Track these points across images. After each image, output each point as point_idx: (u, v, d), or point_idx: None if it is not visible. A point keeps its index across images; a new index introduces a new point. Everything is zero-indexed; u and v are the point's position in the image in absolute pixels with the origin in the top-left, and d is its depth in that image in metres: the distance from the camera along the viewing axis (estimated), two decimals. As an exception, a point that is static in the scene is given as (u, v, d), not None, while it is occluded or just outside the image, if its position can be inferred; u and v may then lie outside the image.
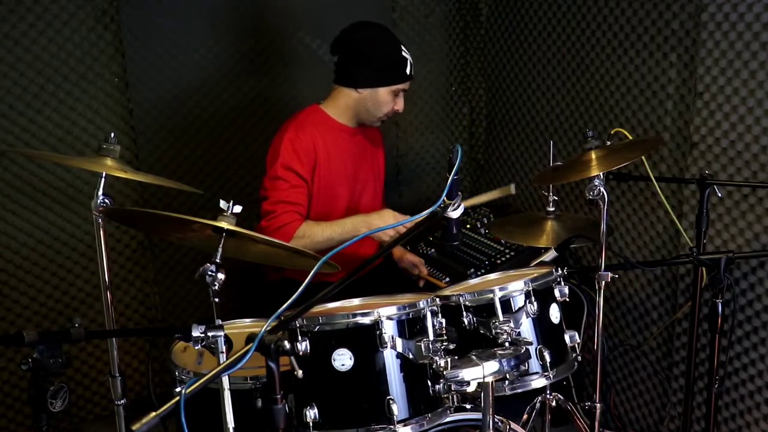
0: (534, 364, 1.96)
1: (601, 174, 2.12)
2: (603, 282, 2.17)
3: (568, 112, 3.22)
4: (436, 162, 3.84)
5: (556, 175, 2.42)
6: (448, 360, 1.70)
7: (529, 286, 1.99)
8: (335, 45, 2.69)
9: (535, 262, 2.38)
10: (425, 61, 3.69)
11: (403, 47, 2.65)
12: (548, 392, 2.36)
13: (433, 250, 3.13)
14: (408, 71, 2.65)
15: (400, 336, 1.78)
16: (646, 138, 2.77)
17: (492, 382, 1.72)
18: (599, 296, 2.20)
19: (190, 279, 3.25)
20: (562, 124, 3.27)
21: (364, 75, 2.63)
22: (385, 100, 2.65)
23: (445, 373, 1.69)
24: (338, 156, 2.70)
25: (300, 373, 1.64)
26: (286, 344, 1.48)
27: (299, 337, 1.73)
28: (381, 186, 2.99)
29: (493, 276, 2.33)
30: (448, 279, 2.89)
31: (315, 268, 1.54)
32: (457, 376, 1.68)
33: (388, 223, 2.57)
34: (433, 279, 2.91)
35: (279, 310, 1.49)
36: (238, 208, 1.72)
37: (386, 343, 1.75)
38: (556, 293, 2.07)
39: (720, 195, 2.45)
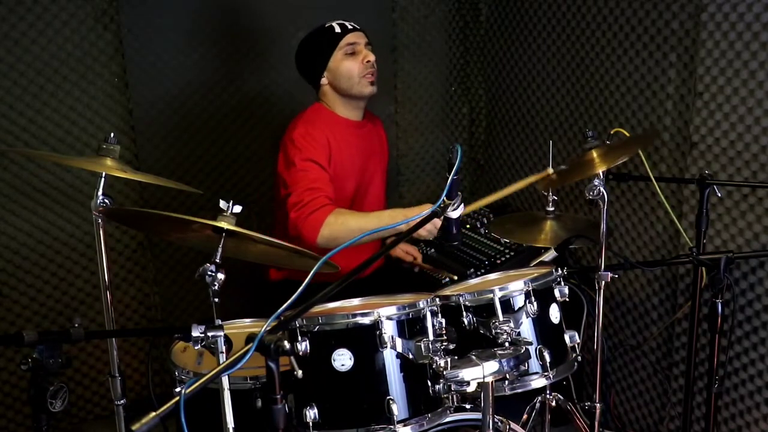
0: (534, 364, 1.96)
1: (600, 174, 2.12)
2: (603, 282, 2.18)
3: (568, 112, 3.22)
4: (436, 162, 3.84)
5: (559, 179, 2.43)
6: (448, 360, 1.70)
7: (529, 286, 1.99)
8: (301, 75, 2.78)
9: (534, 262, 2.38)
10: (425, 61, 3.69)
11: (327, 22, 2.69)
12: (548, 392, 2.36)
13: (433, 250, 3.13)
14: (337, 30, 2.66)
15: (400, 336, 1.78)
16: (643, 134, 2.77)
17: (492, 382, 1.72)
18: (599, 296, 2.20)
19: (190, 279, 3.23)
20: (562, 124, 3.27)
21: (312, 68, 2.69)
22: (344, 65, 2.65)
23: (445, 373, 1.69)
24: (347, 150, 2.69)
25: (300, 373, 1.65)
26: (286, 344, 1.48)
27: (299, 337, 1.73)
28: (385, 178, 2.98)
29: (493, 276, 2.33)
30: (447, 279, 2.89)
31: (315, 268, 1.54)
32: (457, 376, 1.68)
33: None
34: (426, 266, 2.92)
35: (279, 310, 1.49)
36: (237, 208, 1.72)
37: (386, 343, 1.75)
38: (556, 293, 2.07)
39: (720, 195, 2.45)
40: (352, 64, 2.64)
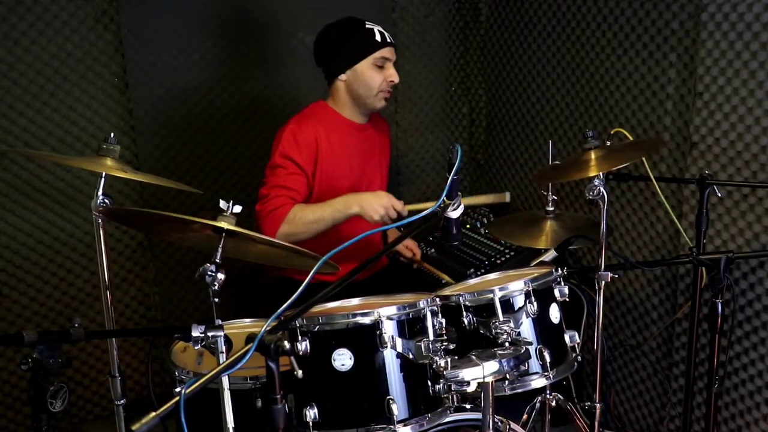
0: (534, 364, 1.96)
1: (601, 174, 2.12)
2: (603, 282, 2.17)
3: (568, 112, 3.22)
4: (436, 162, 3.84)
5: (556, 174, 2.42)
6: (448, 360, 1.70)
7: (529, 286, 1.99)
8: (315, 56, 2.73)
9: (535, 262, 2.38)
10: (425, 61, 3.69)
11: (367, 22, 2.64)
12: (548, 392, 2.36)
13: (433, 250, 3.13)
14: (378, 38, 2.62)
15: (400, 336, 1.78)
16: (647, 139, 2.77)
17: (492, 382, 1.72)
18: (599, 296, 2.20)
19: (190, 279, 3.24)
20: (562, 124, 3.27)
21: (337, 61, 2.66)
22: (369, 74, 2.63)
23: (445, 373, 1.69)
24: (343, 151, 2.69)
25: (300, 373, 1.64)
26: (286, 344, 1.48)
27: (299, 337, 1.73)
28: (386, 180, 2.98)
29: (493, 276, 2.33)
30: (444, 282, 2.88)
31: (315, 268, 1.54)
32: (457, 376, 1.67)
33: (382, 201, 2.49)
34: (426, 265, 2.93)
35: (279, 310, 1.49)
36: (237, 208, 1.72)
37: (386, 343, 1.75)
38: (556, 293, 2.07)
39: (720, 195, 2.45)
40: (376, 77, 2.64)
